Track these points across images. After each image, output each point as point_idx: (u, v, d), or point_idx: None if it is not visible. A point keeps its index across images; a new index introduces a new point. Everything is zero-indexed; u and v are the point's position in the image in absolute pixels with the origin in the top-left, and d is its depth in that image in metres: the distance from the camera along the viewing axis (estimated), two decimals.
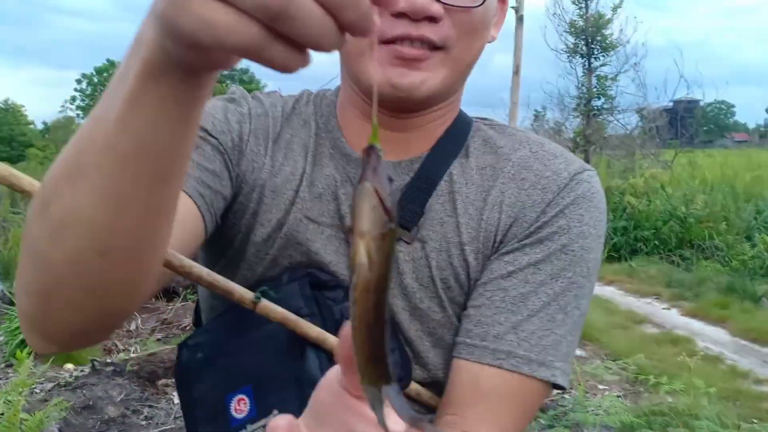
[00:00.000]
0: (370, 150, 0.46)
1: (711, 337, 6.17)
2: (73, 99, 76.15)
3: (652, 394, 4.51)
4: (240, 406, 0.91)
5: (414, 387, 0.97)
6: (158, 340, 5.39)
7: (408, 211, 0.97)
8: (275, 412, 0.88)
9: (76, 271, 0.61)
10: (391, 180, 0.45)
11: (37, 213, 0.62)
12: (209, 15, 0.43)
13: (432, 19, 0.88)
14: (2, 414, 3.16)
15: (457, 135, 1.03)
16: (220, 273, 0.96)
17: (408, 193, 0.98)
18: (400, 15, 0.87)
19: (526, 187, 0.98)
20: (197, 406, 0.96)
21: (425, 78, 0.91)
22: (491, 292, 0.95)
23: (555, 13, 15.59)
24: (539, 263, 0.94)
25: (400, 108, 0.97)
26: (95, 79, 75.09)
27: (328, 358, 0.90)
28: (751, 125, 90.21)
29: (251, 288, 0.94)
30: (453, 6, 0.89)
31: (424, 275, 0.98)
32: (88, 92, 75.42)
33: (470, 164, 1.01)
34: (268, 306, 0.88)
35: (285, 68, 0.46)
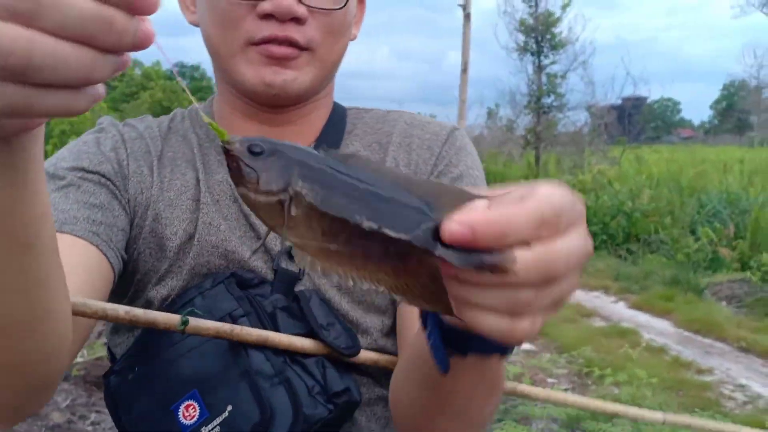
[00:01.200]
0: (225, 151, 0.48)
1: (656, 328, 6.33)
2: None
3: (599, 386, 4.61)
4: (189, 412, 0.90)
5: (370, 355, 0.98)
6: (105, 344, 5.28)
7: None
8: (230, 407, 0.89)
9: None
10: (252, 149, 0.47)
11: None
12: None
13: (297, 21, 0.93)
14: None
15: (337, 123, 1.10)
16: (133, 298, 0.98)
17: None
18: (267, 17, 0.92)
19: (414, 148, 1.08)
20: (141, 423, 0.94)
21: (296, 76, 0.96)
22: None
23: (505, 11, 15.79)
24: None
25: (276, 104, 1.02)
26: None
27: (273, 351, 0.91)
28: (697, 122, 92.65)
29: (174, 302, 0.95)
30: (316, 9, 0.94)
31: None
32: None
33: (356, 146, 1.08)
34: (198, 325, 0.86)
35: (69, 113, 0.44)
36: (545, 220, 0.44)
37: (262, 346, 0.90)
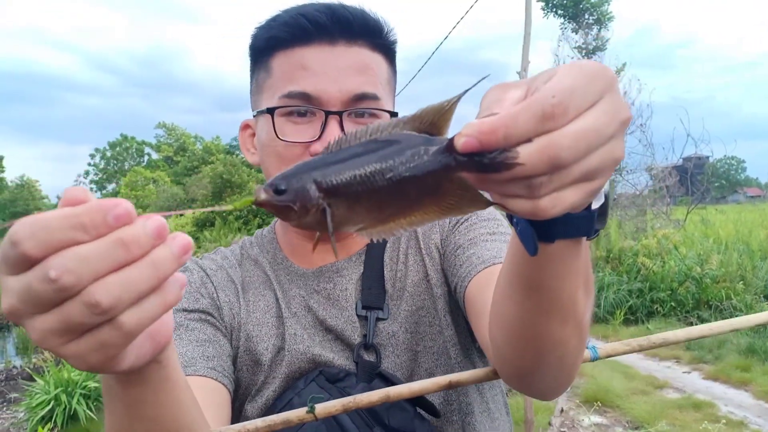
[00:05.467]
0: (261, 205, 0.55)
1: (734, 400, 6.03)
2: (87, 173, 77.49)
3: None
4: None
5: (417, 384, 0.99)
6: None
7: (374, 294, 1.16)
8: None
9: None
10: (277, 189, 0.54)
11: None
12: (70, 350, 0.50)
13: None
14: None
15: None
16: (235, 410, 1.11)
17: (366, 281, 1.19)
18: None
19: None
20: None
21: None
22: (464, 248, 1.14)
23: None
24: (474, 226, 1.17)
25: None
26: (108, 153, 76.43)
27: (356, 413, 1.03)
28: (764, 179, 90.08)
29: (275, 404, 1.08)
30: None
31: (414, 323, 1.15)
32: (101, 166, 76.73)
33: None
34: (325, 407, 0.93)
35: (167, 307, 0.51)
36: (547, 113, 0.47)
37: (384, 403, 0.97)
